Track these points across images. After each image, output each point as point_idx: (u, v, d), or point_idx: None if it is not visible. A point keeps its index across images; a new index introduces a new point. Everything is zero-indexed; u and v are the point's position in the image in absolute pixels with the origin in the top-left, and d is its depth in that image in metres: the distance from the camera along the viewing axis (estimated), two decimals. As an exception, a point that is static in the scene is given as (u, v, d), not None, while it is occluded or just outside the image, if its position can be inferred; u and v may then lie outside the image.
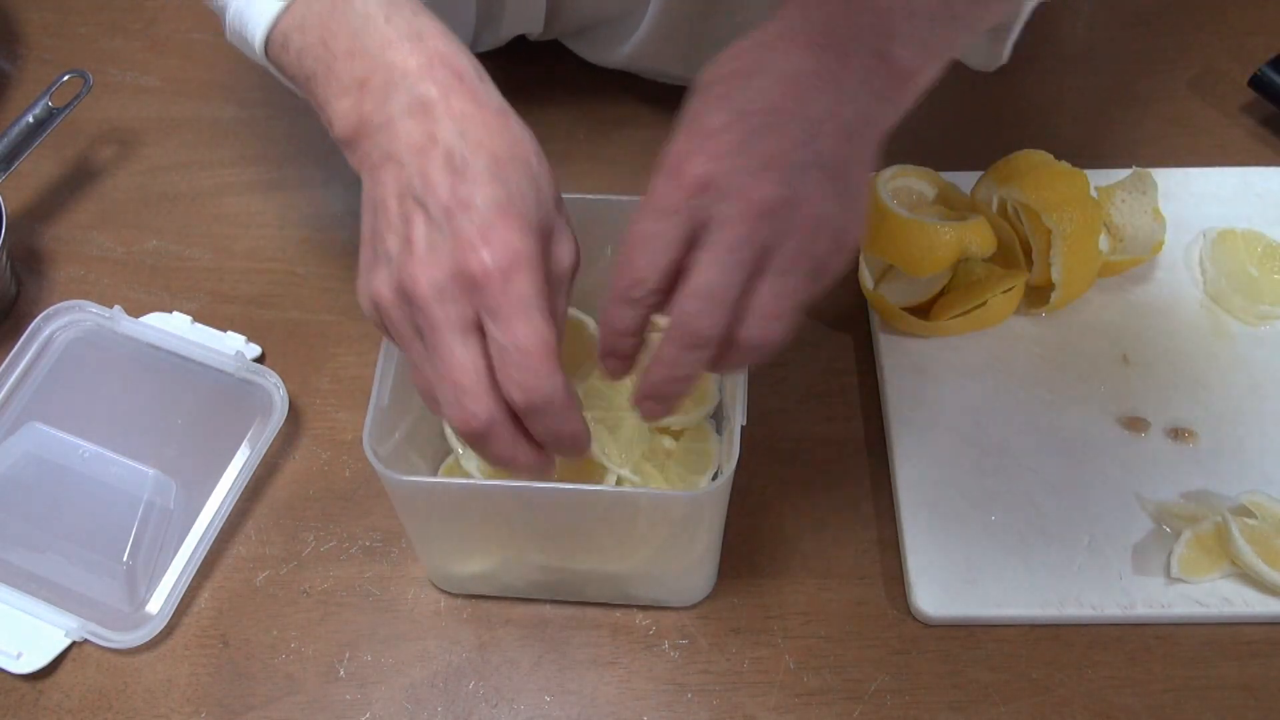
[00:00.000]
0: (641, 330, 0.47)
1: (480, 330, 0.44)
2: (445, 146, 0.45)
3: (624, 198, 0.59)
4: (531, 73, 0.81)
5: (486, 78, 0.48)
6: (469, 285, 0.43)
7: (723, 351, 0.45)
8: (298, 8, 0.49)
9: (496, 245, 0.43)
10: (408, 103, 0.46)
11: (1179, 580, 0.58)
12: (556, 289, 0.46)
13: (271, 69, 0.51)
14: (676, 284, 0.45)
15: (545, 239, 0.46)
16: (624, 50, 0.75)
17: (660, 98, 0.79)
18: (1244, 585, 0.58)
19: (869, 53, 0.45)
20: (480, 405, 0.44)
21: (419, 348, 0.45)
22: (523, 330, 0.43)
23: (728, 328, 0.44)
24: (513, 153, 0.46)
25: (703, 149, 0.44)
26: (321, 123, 0.50)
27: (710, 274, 0.43)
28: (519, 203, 0.45)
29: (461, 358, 0.44)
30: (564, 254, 0.47)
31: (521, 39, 0.79)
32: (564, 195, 0.59)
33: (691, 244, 0.44)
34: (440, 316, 0.44)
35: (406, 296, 0.45)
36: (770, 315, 0.44)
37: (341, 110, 0.48)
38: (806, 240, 0.44)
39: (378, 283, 0.46)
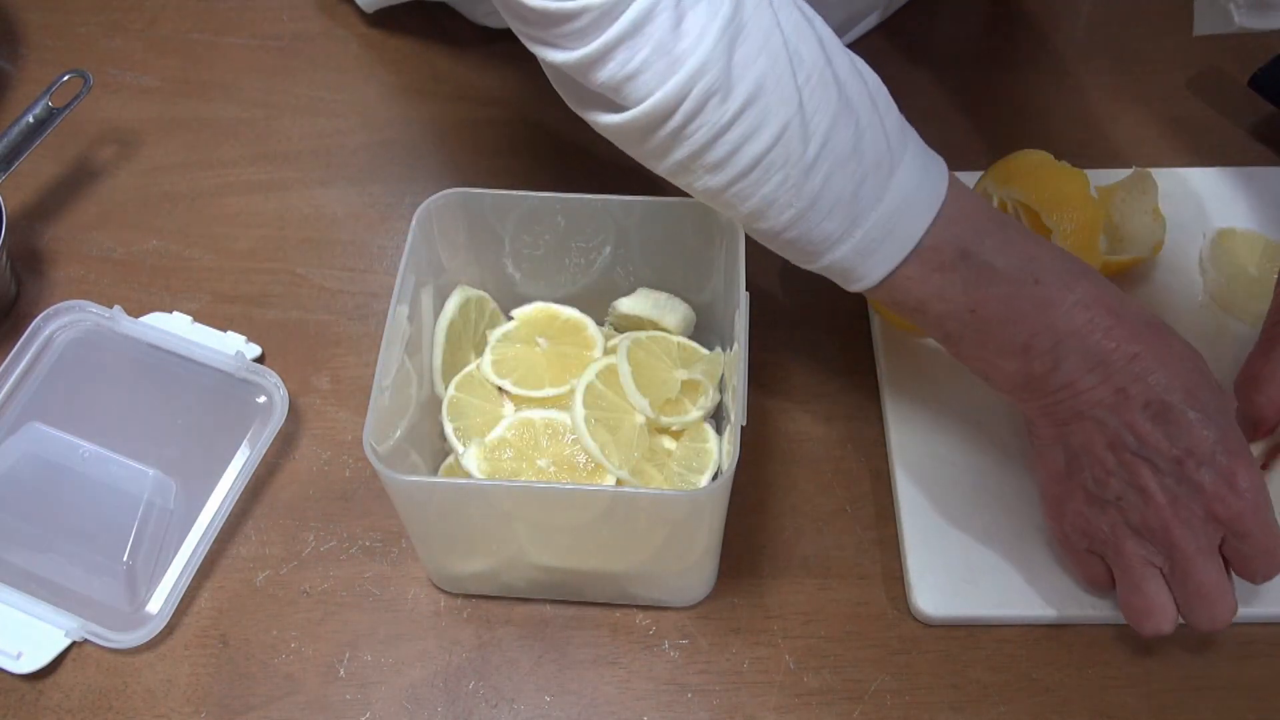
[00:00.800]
0: None
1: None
2: (1139, 398, 0.50)
3: (624, 198, 0.60)
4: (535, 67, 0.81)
5: (1126, 299, 0.51)
6: (1220, 524, 0.50)
7: None
8: (933, 278, 0.50)
9: (1237, 489, 0.49)
10: (1082, 362, 0.50)
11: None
12: None
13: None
14: None
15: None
16: None
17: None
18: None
19: None
20: (1227, 608, 0.52)
21: (1147, 571, 0.52)
22: (1270, 538, 0.50)
23: None
24: (1190, 372, 0.50)
25: None
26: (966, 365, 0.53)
27: None
28: (1224, 425, 0.50)
29: (1215, 577, 0.51)
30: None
31: None
32: (563, 195, 0.60)
33: None
34: (1194, 550, 0.50)
35: (1152, 536, 0.51)
36: None
37: (1006, 371, 0.51)
38: None
39: (1105, 522, 0.52)
